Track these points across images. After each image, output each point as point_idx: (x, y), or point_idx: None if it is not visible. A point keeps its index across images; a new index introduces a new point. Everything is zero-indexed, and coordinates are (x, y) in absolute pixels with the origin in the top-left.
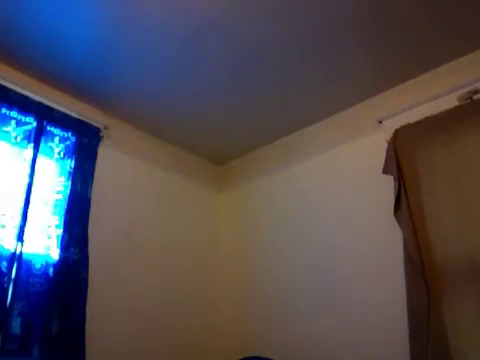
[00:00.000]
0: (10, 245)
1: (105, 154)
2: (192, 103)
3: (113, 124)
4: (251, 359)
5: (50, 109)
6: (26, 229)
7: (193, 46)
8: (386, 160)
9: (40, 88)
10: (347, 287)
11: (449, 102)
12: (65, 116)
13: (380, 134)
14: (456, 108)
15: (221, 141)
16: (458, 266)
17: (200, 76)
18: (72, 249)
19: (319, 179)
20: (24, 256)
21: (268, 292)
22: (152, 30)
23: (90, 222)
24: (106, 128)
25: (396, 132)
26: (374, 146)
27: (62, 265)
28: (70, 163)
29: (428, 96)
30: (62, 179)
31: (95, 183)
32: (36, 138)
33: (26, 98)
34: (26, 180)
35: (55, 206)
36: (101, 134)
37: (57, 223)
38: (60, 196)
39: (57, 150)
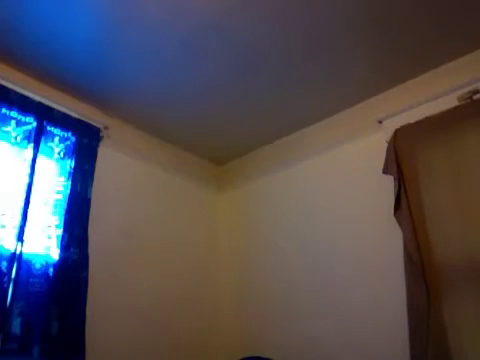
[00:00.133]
0: (10, 245)
1: (105, 154)
2: (192, 103)
3: (113, 124)
4: (251, 359)
5: (50, 109)
6: (26, 229)
7: (193, 46)
8: (386, 160)
9: (40, 88)
10: (347, 287)
11: (449, 102)
12: (65, 116)
13: (380, 134)
14: (456, 108)
15: (221, 141)
16: (458, 266)
17: (200, 76)
18: (72, 249)
19: (319, 179)
20: (24, 256)
21: (268, 292)
22: (152, 30)
23: (90, 222)
24: (106, 128)
25: (396, 132)
26: (374, 146)
27: (62, 265)
28: (70, 163)
29: (428, 96)
30: (62, 179)
31: (95, 183)
32: (36, 138)
33: (26, 98)
34: (26, 180)
35: (55, 206)
36: (101, 134)
37: (57, 223)
38: (60, 196)
39: (57, 150)
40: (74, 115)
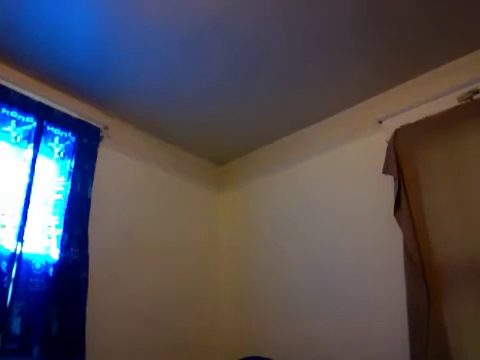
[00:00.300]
0: (10, 245)
1: (105, 154)
2: (192, 103)
3: (113, 124)
4: (251, 359)
5: (50, 109)
6: (26, 229)
7: (193, 46)
8: (386, 160)
9: (40, 88)
10: (347, 287)
11: (449, 102)
12: (65, 116)
13: (380, 134)
14: (456, 108)
15: (221, 141)
16: (458, 266)
17: (200, 76)
18: (72, 249)
19: (319, 179)
20: (24, 256)
21: (268, 292)
22: (152, 30)
23: (90, 222)
24: (106, 128)
25: (396, 132)
26: (374, 146)
27: (62, 265)
28: (70, 163)
29: (428, 96)
30: (62, 179)
31: (95, 183)
32: (36, 138)
33: (26, 98)
34: (26, 180)
35: (55, 206)
36: (101, 134)
37: (57, 223)
38: (60, 196)
39: (57, 150)
40: (74, 115)
